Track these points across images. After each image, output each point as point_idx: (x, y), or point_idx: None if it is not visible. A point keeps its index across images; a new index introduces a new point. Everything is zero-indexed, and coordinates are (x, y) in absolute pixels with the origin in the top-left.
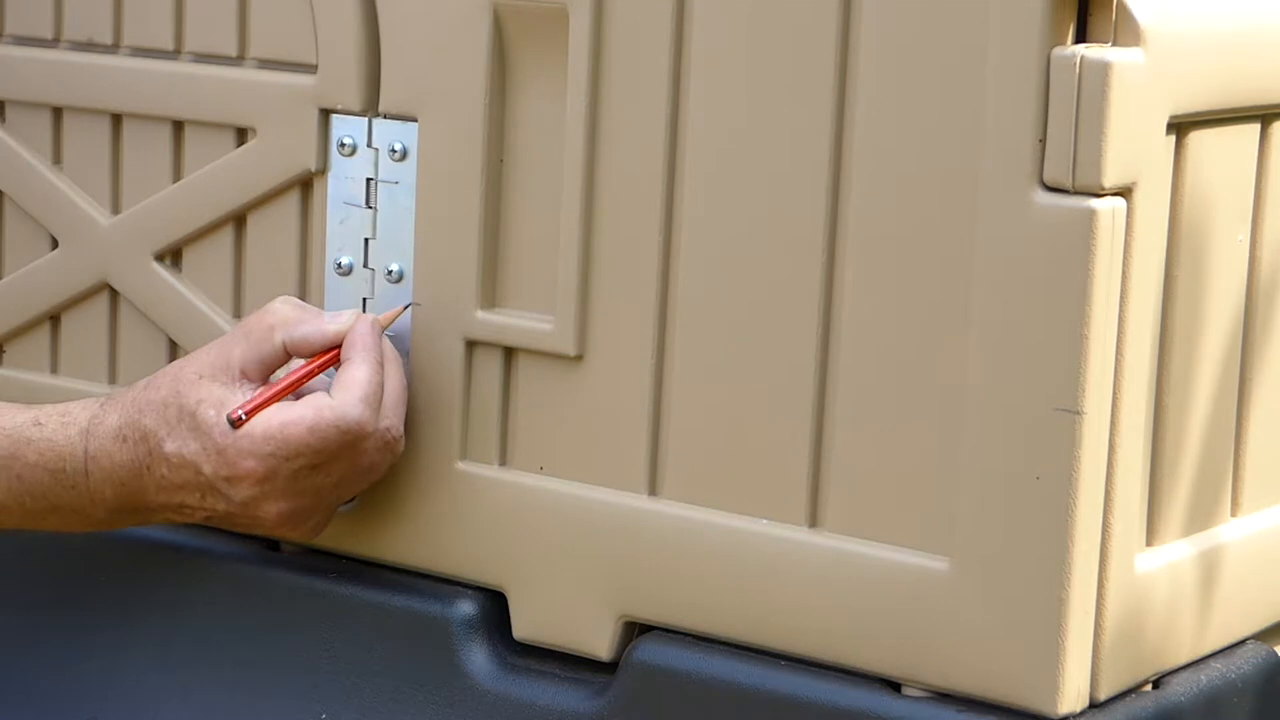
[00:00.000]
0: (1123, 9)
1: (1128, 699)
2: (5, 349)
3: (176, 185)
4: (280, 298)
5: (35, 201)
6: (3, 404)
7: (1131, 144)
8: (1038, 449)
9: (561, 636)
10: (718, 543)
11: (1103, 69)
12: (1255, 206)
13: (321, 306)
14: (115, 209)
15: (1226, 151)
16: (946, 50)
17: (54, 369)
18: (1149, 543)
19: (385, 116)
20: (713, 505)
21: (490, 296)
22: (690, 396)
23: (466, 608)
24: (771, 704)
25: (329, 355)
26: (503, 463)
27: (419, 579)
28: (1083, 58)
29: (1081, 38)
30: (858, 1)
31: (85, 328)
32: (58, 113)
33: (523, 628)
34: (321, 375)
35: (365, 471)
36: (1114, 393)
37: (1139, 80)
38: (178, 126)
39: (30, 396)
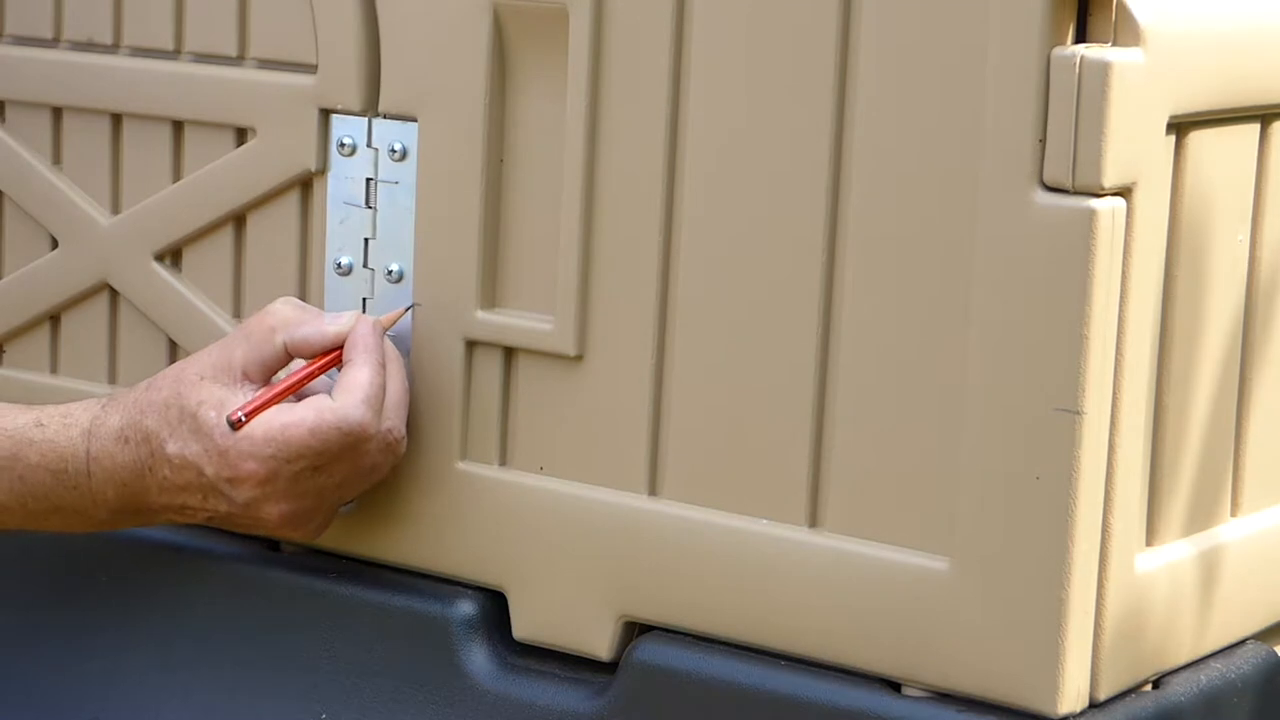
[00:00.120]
0: (1123, 9)
1: (1128, 699)
2: (5, 349)
3: (176, 185)
4: (281, 298)
5: (35, 201)
6: (4, 405)
7: (1131, 144)
8: (1038, 449)
9: (561, 636)
10: (718, 543)
11: (1103, 69)
12: (1255, 206)
13: (321, 307)
14: (115, 209)
15: (1226, 151)
16: (946, 50)
17: (54, 369)
18: (1149, 543)
19: (385, 116)
20: (713, 505)
21: (490, 296)
22: (690, 396)
23: (466, 608)
24: (771, 704)
25: (330, 356)
26: (503, 463)
27: (419, 579)
28: (1083, 58)
29: (1081, 38)
30: (858, 1)
31: (85, 328)
32: (58, 113)
33: (523, 628)
34: (323, 377)
35: (367, 473)
36: (1114, 393)
37: (1139, 80)
38: (178, 126)
39: (30, 396)
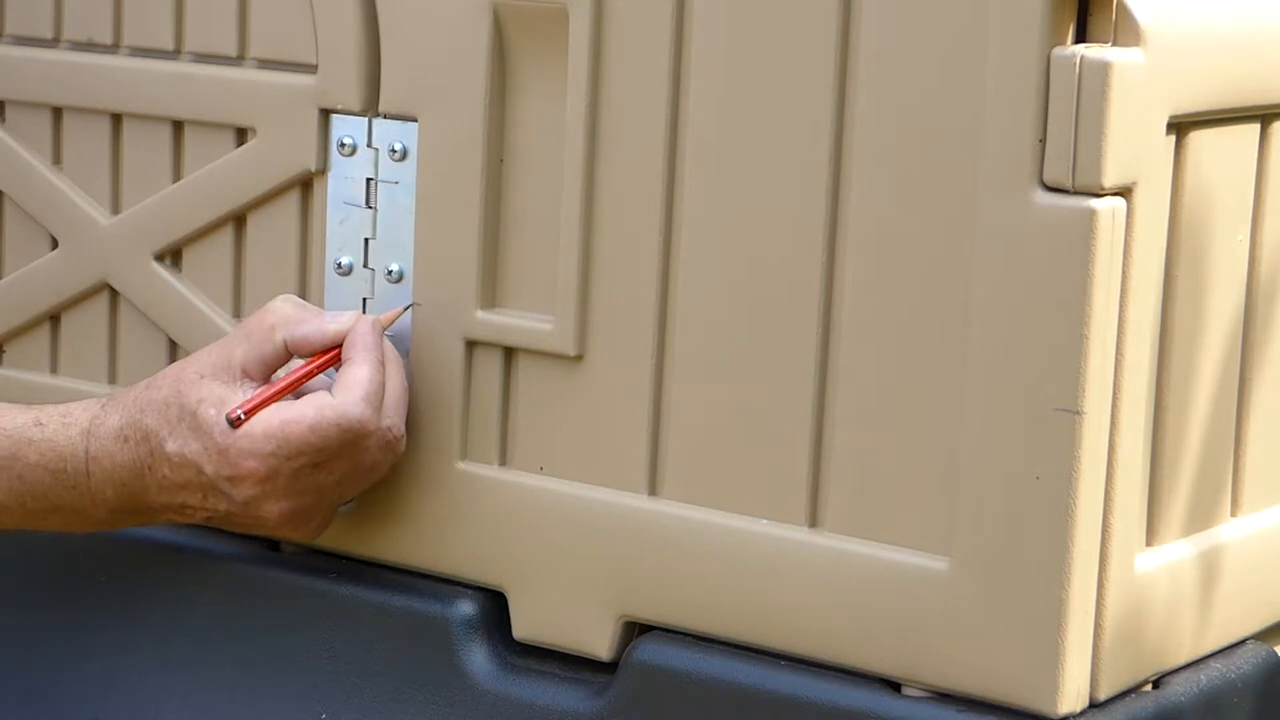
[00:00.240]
0: (1123, 9)
1: (1128, 699)
2: (5, 349)
3: (176, 185)
4: (281, 296)
5: (35, 201)
6: (4, 405)
7: (1131, 144)
8: (1038, 449)
9: (561, 636)
10: (718, 543)
11: (1103, 69)
12: (1255, 206)
13: (321, 307)
14: (115, 209)
15: (1226, 151)
16: (946, 50)
17: (54, 369)
18: (1149, 543)
19: (385, 116)
20: (713, 505)
21: (490, 296)
22: (690, 396)
23: (466, 608)
24: (771, 704)
25: (330, 355)
26: (503, 463)
27: (419, 579)
28: (1083, 58)
29: (1081, 38)
30: (858, 1)
31: (85, 328)
32: (58, 113)
33: (523, 628)
34: (321, 376)
35: (367, 471)
36: (1114, 393)
37: (1139, 80)
38: (178, 126)
39: (30, 396)
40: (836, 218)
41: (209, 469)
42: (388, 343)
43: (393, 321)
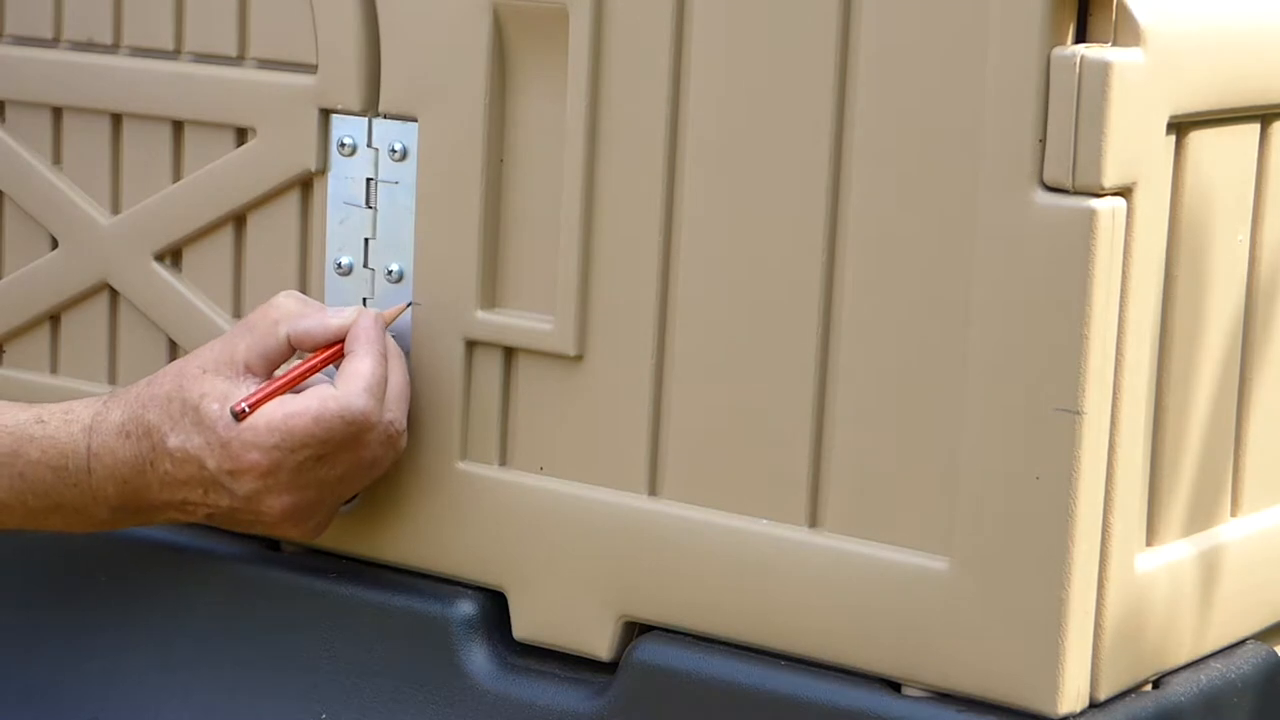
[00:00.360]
0: (1123, 9)
1: (1128, 699)
2: (5, 349)
3: (176, 185)
4: (284, 292)
5: (35, 201)
6: (4, 402)
7: (1131, 144)
8: (1038, 449)
9: (561, 636)
10: (718, 543)
11: (1103, 69)
12: (1255, 206)
13: None
14: (115, 209)
15: (1226, 151)
16: (946, 50)
17: (54, 369)
18: (1149, 543)
19: (385, 116)
20: (713, 505)
21: (490, 296)
22: (690, 396)
23: (466, 608)
24: (771, 704)
25: (333, 350)
26: (503, 463)
27: (419, 579)
28: (1083, 58)
29: (1081, 38)
30: (858, 2)
31: (85, 328)
32: (58, 113)
33: (523, 628)
34: (321, 374)
35: (368, 466)
36: (1114, 393)
37: (1139, 80)
38: (178, 126)
39: (30, 396)
40: (836, 218)
41: (211, 463)
42: (390, 338)
43: (395, 318)
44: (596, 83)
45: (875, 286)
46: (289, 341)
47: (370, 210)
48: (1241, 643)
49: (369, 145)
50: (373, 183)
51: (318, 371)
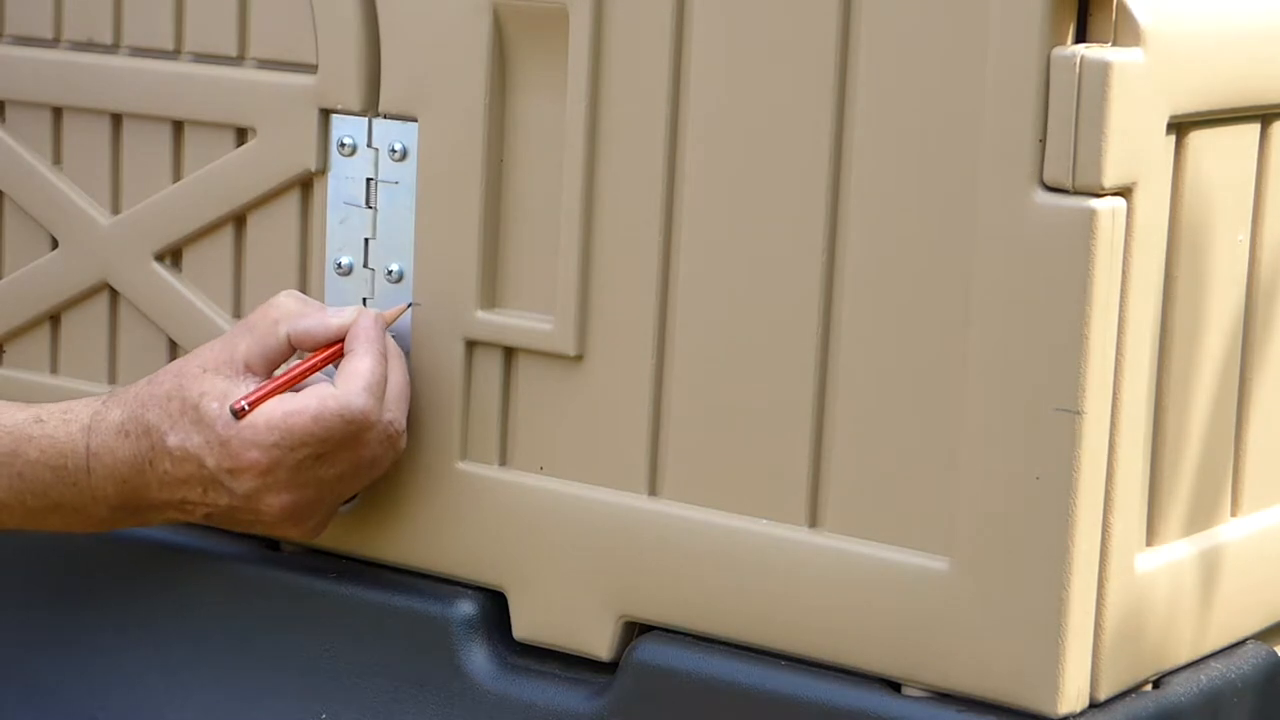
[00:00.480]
0: (1123, 9)
1: (1128, 699)
2: (5, 349)
3: (176, 185)
4: (284, 292)
5: (35, 201)
6: (3, 402)
7: (1131, 144)
8: (1038, 449)
9: (561, 636)
10: (718, 543)
11: (1103, 69)
12: (1255, 206)
13: None
14: (115, 209)
15: (1226, 151)
16: (946, 50)
17: (54, 369)
18: (1149, 543)
19: (385, 116)
20: (713, 505)
21: (490, 296)
22: (690, 396)
23: (466, 608)
24: (771, 704)
25: (333, 349)
26: (503, 463)
27: (419, 579)
28: (1083, 58)
29: (1081, 38)
30: (858, 2)
31: (85, 328)
32: (58, 113)
33: (523, 628)
34: (321, 374)
35: (368, 465)
36: (1114, 393)
37: (1139, 80)
38: (178, 126)
39: (30, 396)
40: (836, 217)
41: (210, 462)
42: (389, 337)
43: (395, 318)
44: (596, 83)
45: (875, 286)
46: (289, 341)
47: (370, 210)
48: (1242, 643)
49: (369, 145)
50: (373, 183)
51: (317, 371)
